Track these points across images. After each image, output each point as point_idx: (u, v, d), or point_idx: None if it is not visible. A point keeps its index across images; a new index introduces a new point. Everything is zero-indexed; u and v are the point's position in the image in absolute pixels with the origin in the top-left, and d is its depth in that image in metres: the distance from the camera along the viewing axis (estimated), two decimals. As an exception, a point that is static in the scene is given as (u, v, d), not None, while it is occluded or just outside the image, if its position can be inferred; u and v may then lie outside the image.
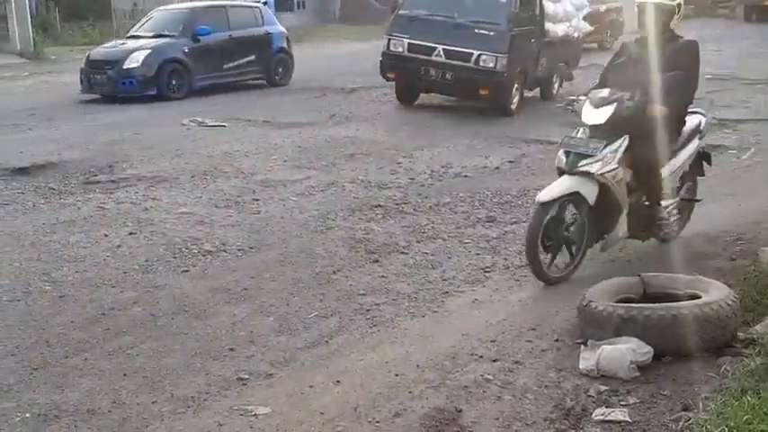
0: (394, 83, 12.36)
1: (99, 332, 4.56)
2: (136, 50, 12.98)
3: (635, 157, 5.28)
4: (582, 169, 5.12)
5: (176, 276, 5.45)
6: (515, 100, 11.70)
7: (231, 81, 14.22)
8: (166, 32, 13.73)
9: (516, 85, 11.69)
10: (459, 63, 11.16)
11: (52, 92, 12.76)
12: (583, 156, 5.15)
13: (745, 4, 30.99)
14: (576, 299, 4.72)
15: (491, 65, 11.04)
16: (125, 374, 4.06)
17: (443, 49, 11.22)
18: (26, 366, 4.14)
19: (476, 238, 6.27)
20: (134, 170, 8.11)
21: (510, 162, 8.79)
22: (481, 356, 4.19)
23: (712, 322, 4.00)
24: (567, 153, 5.27)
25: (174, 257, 5.78)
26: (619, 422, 3.53)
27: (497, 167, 8.56)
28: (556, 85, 13.41)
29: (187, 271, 5.55)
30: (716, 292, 4.24)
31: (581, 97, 5.52)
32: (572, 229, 5.29)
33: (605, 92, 5.33)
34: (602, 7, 21.08)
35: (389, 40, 11.75)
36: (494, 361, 4.14)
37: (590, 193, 5.12)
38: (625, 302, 4.32)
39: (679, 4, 5.49)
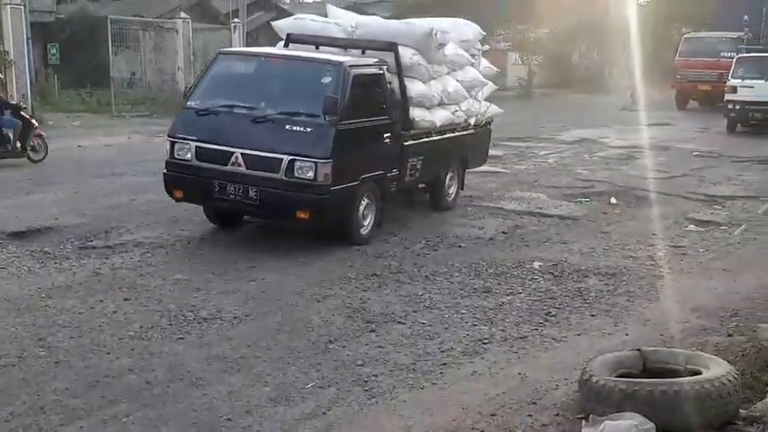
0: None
1: (94, 399, 4.50)
2: None
3: None
4: None
5: (172, 344, 5.40)
6: (367, 222, 8.22)
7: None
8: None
9: (365, 201, 8.14)
10: (266, 174, 7.60)
11: (49, 157, 12.80)
12: None
13: (678, 89, 26.34)
14: (575, 372, 4.73)
15: (309, 175, 7.47)
16: (120, 444, 3.99)
17: (243, 155, 7.66)
18: (19, 434, 4.07)
19: (472, 308, 6.26)
20: (130, 236, 8.10)
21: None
22: (482, 431, 4.15)
23: (715, 399, 3.99)
24: None
25: (170, 324, 5.74)
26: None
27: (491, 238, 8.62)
28: (452, 190, 10.11)
29: (183, 338, 5.50)
30: (717, 369, 4.25)
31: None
32: None
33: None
34: None
35: (173, 144, 8.03)
36: (495, 435, 4.10)
37: None
38: (625, 377, 4.31)
39: None
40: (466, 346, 5.45)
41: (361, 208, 8.11)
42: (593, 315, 6.17)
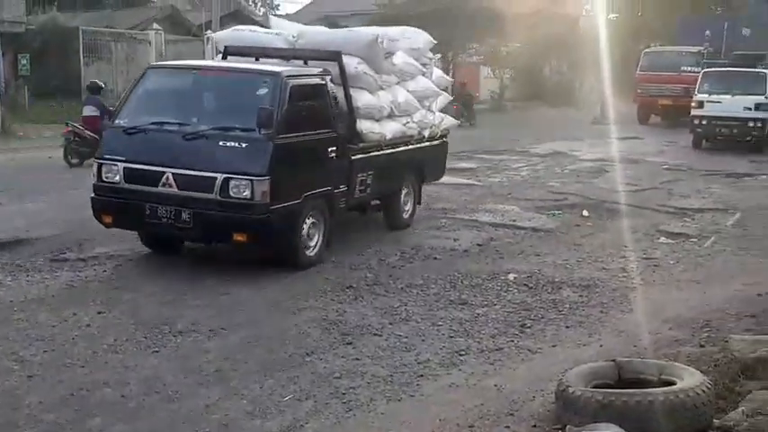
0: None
1: (69, 414, 4.46)
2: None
3: None
4: None
5: (147, 357, 5.37)
6: (314, 242, 7.69)
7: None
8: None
9: (310, 220, 7.58)
10: (199, 195, 7.09)
11: (21, 169, 12.67)
12: None
13: (639, 103, 26.05)
14: (551, 383, 4.77)
15: (246, 194, 6.97)
16: (96, 458, 3.95)
17: (174, 175, 7.14)
18: (-8, 449, 4.01)
19: (448, 320, 6.29)
20: (103, 248, 8.03)
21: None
22: (460, 442, 4.17)
23: (689, 409, 4.04)
24: None
25: (145, 337, 5.70)
26: None
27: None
28: (408, 206, 9.66)
29: (158, 351, 5.47)
30: (690, 379, 4.30)
31: None
32: None
33: None
34: None
35: (100, 165, 7.50)
36: (472, 447, 4.12)
37: None
38: (600, 388, 4.35)
39: None
40: (443, 358, 5.47)
41: (306, 227, 7.55)
42: (567, 326, 6.23)
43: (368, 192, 8.78)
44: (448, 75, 34.77)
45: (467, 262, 8.12)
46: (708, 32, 25.45)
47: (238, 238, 7.14)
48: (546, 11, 34.18)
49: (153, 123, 7.52)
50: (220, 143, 7.18)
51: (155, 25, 23.57)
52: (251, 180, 6.97)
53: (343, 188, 8.17)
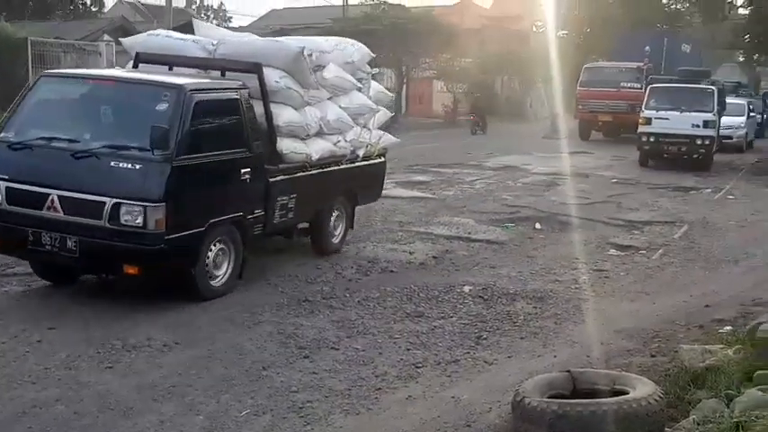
0: None
1: (30, 427, 4.36)
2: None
3: None
4: None
5: (100, 373, 5.28)
6: (222, 272, 7.01)
7: None
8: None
9: (216, 248, 6.89)
10: (86, 221, 6.32)
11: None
12: None
13: (580, 119, 25.83)
14: (507, 394, 4.83)
15: (138, 222, 6.22)
16: (49, 477, 3.88)
17: (60, 198, 6.37)
18: (-60, 469, 3.91)
19: (405, 333, 6.32)
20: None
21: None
22: (418, 454, 4.19)
23: (641, 418, 4.13)
24: None
25: (98, 353, 5.61)
26: None
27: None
28: (339, 230, 8.96)
29: (111, 367, 5.39)
30: (643, 388, 4.39)
31: None
32: None
33: None
34: None
35: None
36: (431, 458, 4.14)
37: None
38: (556, 398, 4.41)
39: None
40: (400, 371, 5.49)
41: (212, 256, 6.86)
42: (522, 338, 6.31)
43: (290, 216, 7.98)
44: (402, 89, 35.14)
45: (423, 274, 8.17)
46: (647, 48, 25.67)
47: (129, 270, 6.36)
48: (497, 27, 34.73)
49: (40, 138, 6.68)
50: (112, 163, 6.36)
51: (105, 36, 23.28)
52: (144, 206, 6.19)
53: (258, 213, 7.40)
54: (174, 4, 27.97)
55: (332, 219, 8.82)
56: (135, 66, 8.10)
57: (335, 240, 8.94)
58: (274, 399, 4.94)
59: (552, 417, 4.14)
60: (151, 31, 8.91)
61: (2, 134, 6.87)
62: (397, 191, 13.60)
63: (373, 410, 4.84)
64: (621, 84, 25.01)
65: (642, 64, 25.07)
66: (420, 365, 5.61)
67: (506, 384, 5.15)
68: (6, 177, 6.62)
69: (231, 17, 58.17)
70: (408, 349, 5.94)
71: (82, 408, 4.71)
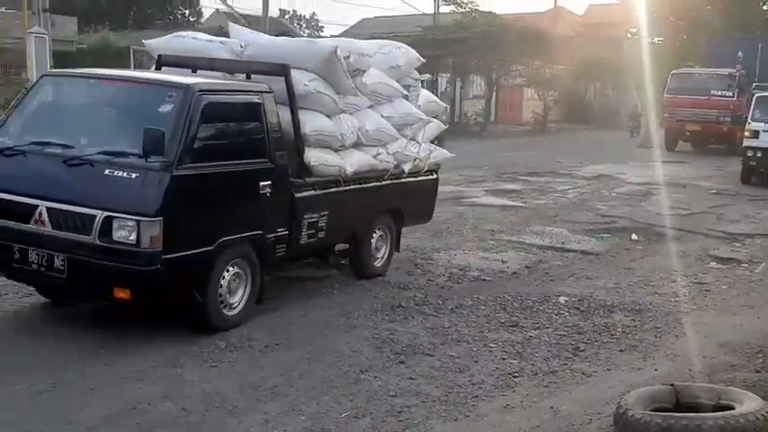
0: None
1: (131, 427, 4.55)
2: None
3: None
4: None
5: (204, 371, 5.46)
6: (237, 298, 6.30)
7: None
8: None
9: (231, 271, 6.19)
10: (75, 237, 5.62)
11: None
12: None
13: (667, 128, 24.82)
14: (607, 406, 4.77)
15: (131, 238, 5.47)
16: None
17: (48, 210, 5.71)
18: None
19: (500, 342, 6.30)
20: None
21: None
22: (518, 463, 4.18)
23: (752, 434, 4.02)
24: None
25: (202, 351, 5.79)
26: None
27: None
28: (382, 253, 8.17)
29: (215, 366, 5.56)
30: (750, 404, 4.28)
31: None
32: None
33: None
34: None
35: None
36: (531, 468, 4.13)
37: None
38: (659, 411, 4.34)
39: None
40: (497, 380, 5.48)
41: (225, 281, 6.13)
42: (621, 350, 6.20)
43: (321, 236, 7.12)
44: (491, 96, 34.97)
45: (516, 284, 8.13)
46: (740, 54, 24.27)
47: (120, 294, 5.57)
48: (590, 34, 34.21)
49: (34, 143, 6.06)
50: (106, 172, 5.64)
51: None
52: (138, 221, 5.43)
53: (281, 232, 6.60)
54: (268, 14, 28.64)
55: (373, 240, 7.99)
56: (157, 69, 7.55)
57: (378, 264, 8.11)
58: (373, 402, 5.01)
59: (656, 430, 4.07)
60: (177, 33, 8.41)
61: None
62: (487, 199, 13.60)
63: (471, 417, 4.85)
64: (711, 91, 23.67)
65: (734, 71, 23.85)
66: (516, 375, 5.58)
67: (606, 397, 5.08)
68: None
69: (323, 26, 59.16)
70: (504, 358, 5.92)
71: (189, 405, 4.87)
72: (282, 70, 6.89)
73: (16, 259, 5.82)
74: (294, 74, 6.91)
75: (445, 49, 28.69)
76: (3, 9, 24.58)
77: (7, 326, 6.42)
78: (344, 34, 40.20)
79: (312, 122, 6.96)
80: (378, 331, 6.45)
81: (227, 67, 7.30)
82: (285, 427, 4.62)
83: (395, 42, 8.55)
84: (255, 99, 6.47)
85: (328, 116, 7.16)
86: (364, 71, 7.52)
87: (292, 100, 6.85)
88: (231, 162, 6.12)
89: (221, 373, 5.45)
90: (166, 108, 5.87)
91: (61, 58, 23.04)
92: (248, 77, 7.05)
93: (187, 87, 5.96)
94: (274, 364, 5.65)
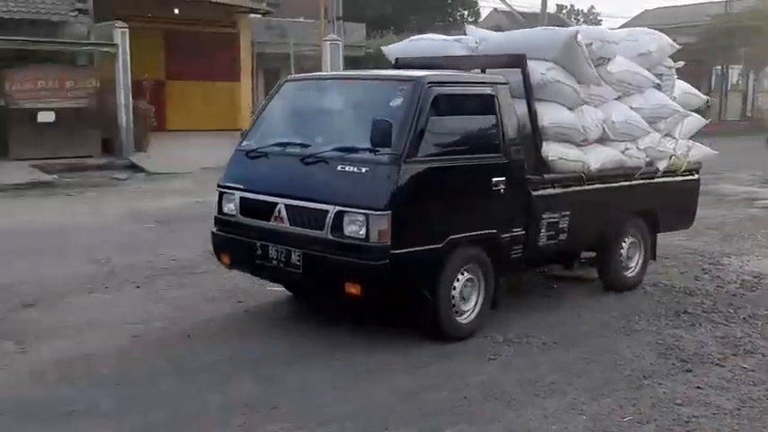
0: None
1: (412, 411, 4.74)
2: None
3: None
4: None
5: (482, 364, 5.56)
6: (470, 305, 6.06)
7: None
8: None
9: (463, 276, 5.96)
10: (310, 232, 5.74)
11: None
12: None
13: None
14: None
15: (360, 233, 5.46)
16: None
17: (286, 207, 5.89)
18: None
19: (805, 358, 5.75)
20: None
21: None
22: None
23: None
24: None
25: (477, 345, 5.91)
26: None
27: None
28: (635, 262, 7.54)
29: (494, 359, 5.65)
30: None
31: None
32: None
33: None
34: None
35: (220, 194, 6.48)
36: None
37: None
38: None
39: None
40: (799, 399, 5.01)
41: (458, 287, 5.92)
42: None
43: (562, 239, 6.66)
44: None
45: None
46: None
47: (351, 290, 5.51)
48: None
49: (275, 145, 6.27)
50: (338, 168, 5.68)
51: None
52: (366, 215, 5.41)
53: (517, 232, 6.27)
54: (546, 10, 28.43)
55: (623, 247, 7.39)
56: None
57: (630, 274, 7.49)
58: (658, 409, 4.79)
59: None
60: (413, 37, 8.40)
61: (243, 143, 6.57)
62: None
63: (767, 435, 4.49)
64: None
65: None
66: (824, 395, 5.05)
67: None
68: (242, 187, 6.28)
69: (602, 20, 57.55)
70: (809, 376, 5.39)
71: (468, 394, 4.99)
72: (517, 60, 6.61)
73: (258, 255, 6.05)
74: (531, 64, 6.59)
75: (737, 39, 26.61)
76: (302, 19, 26.72)
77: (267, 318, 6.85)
78: (625, 27, 38.76)
79: (551, 114, 6.61)
80: (662, 337, 6.17)
81: (461, 63, 7.14)
82: (566, 424, 4.57)
83: (645, 29, 7.92)
84: (488, 91, 6.22)
85: (569, 108, 6.77)
86: (609, 59, 7.03)
87: (529, 91, 6.54)
88: (462, 156, 5.95)
89: (499, 366, 5.52)
90: (396, 102, 5.78)
91: (351, 62, 24.67)
92: (483, 72, 6.92)
93: (417, 80, 5.87)
94: (552, 361, 5.60)
